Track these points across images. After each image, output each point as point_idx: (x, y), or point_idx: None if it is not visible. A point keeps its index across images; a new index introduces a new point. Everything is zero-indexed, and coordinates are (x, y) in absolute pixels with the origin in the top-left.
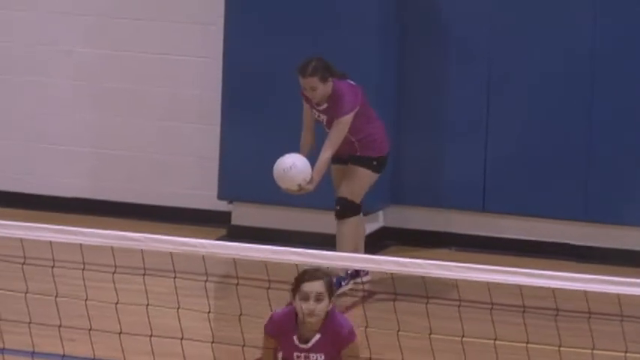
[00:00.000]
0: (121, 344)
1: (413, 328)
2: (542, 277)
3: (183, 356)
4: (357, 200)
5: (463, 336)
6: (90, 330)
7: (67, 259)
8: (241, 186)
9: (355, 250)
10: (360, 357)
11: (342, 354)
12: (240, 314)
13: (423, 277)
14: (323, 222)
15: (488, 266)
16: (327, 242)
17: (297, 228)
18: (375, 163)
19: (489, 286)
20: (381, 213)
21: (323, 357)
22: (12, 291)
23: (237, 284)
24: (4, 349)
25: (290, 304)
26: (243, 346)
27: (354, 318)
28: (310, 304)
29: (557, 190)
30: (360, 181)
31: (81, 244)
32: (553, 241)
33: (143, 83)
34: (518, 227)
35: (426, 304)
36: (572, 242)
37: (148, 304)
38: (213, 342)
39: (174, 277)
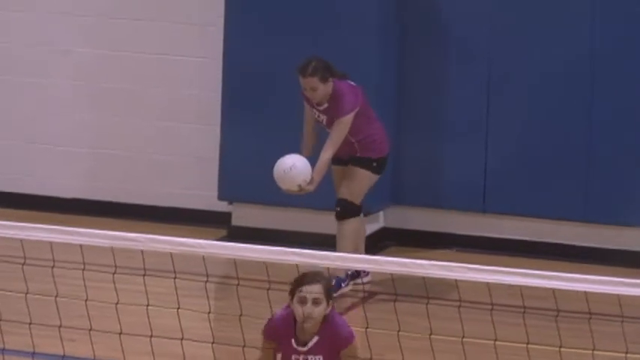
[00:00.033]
0: (121, 344)
1: (413, 328)
2: (542, 278)
3: (184, 357)
4: (358, 201)
5: (463, 336)
6: (90, 330)
7: (67, 259)
8: (241, 186)
9: (356, 251)
10: (360, 358)
11: (341, 354)
12: (241, 315)
13: (423, 278)
14: (323, 222)
15: (489, 267)
16: (327, 243)
17: (297, 228)
18: (374, 164)
19: (490, 287)
20: (381, 213)
21: (321, 359)
22: (12, 291)
23: (238, 285)
24: (4, 349)
25: (288, 306)
26: (244, 346)
27: (354, 319)
28: (308, 308)
29: (557, 191)
30: (360, 183)
31: (81, 245)
32: (553, 241)
33: (142, 83)
34: (519, 228)
35: (427, 304)
36: (572, 243)
37: (148, 305)
38: (213, 342)
39: (175, 278)
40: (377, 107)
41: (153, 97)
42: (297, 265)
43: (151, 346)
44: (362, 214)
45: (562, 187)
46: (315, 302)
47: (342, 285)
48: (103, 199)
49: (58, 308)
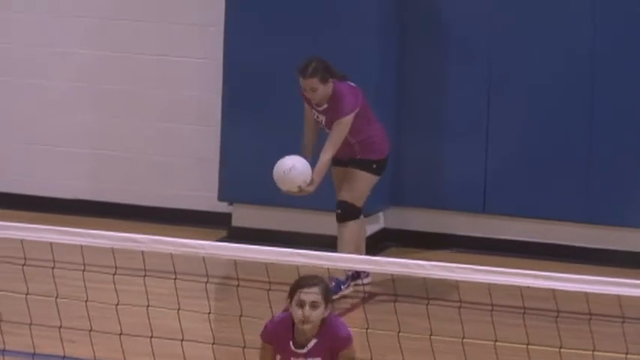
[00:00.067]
0: (122, 345)
1: (414, 329)
2: (542, 279)
3: (184, 357)
4: (359, 204)
5: (464, 337)
6: (90, 331)
7: (68, 260)
8: (242, 187)
9: (356, 252)
10: (359, 359)
11: (339, 356)
12: (241, 315)
13: (424, 279)
14: (324, 223)
15: (489, 267)
16: (328, 243)
17: (297, 229)
18: (374, 166)
19: (490, 288)
20: (381, 214)
21: None
22: (13, 292)
23: (238, 285)
24: (4, 350)
25: (286, 309)
26: (244, 347)
27: (354, 319)
28: (306, 311)
29: (557, 191)
30: (360, 185)
31: (81, 246)
32: (554, 242)
33: (142, 85)
34: (519, 228)
35: (427, 305)
36: (572, 244)
37: (148, 306)
38: (213, 343)
39: (175, 279)
40: (377, 107)
41: (153, 98)
42: (297, 265)
43: (152, 346)
44: (362, 216)
45: (562, 187)
46: (313, 305)
47: (342, 287)
48: (103, 200)
49: (58, 309)
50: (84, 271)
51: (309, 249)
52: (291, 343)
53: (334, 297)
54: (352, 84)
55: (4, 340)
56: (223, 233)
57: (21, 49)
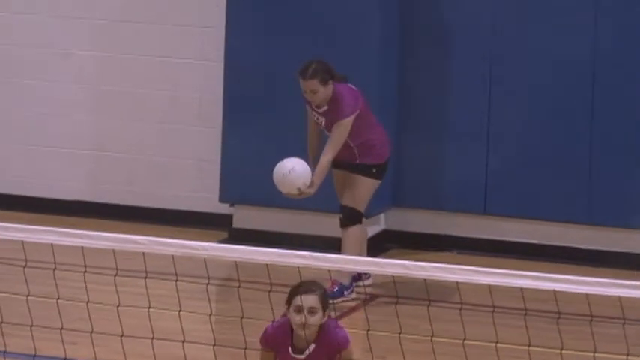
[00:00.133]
0: (123, 347)
1: (415, 331)
2: (543, 280)
3: (185, 359)
4: (361, 209)
5: (465, 339)
6: (91, 333)
7: (69, 261)
8: (242, 189)
9: (359, 255)
10: None
11: (338, 358)
12: (242, 317)
13: (425, 280)
14: (324, 225)
15: (490, 269)
16: (328, 245)
17: (298, 231)
18: (374, 170)
19: (491, 289)
20: (382, 216)
21: None
22: (14, 294)
23: (239, 287)
24: (5, 352)
25: (285, 315)
26: (245, 348)
27: (356, 321)
28: (303, 317)
29: (558, 193)
30: (361, 190)
31: (82, 247)
32: (555, 244)
33: (144, 86)
34: (520, 230)
35: (428, 306)
36: (574, 245)
37: (149, 307)
38: (214, 345)
39: (176, 280)
40: (377, 108)
41: (154, 99)
42: (298, 267)
43: (153, 348)
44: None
45: (563, 188)
46: (311, 311)
47: (345, 293)
48: (104, 202)
49: (59, 311)
50: (85, 272)
51: (310, 250)
52: (289, 348)
53: (337, 301)
54: (352, 86)
55: (5, 342)
56: (224, 235)
57: (21, 50)
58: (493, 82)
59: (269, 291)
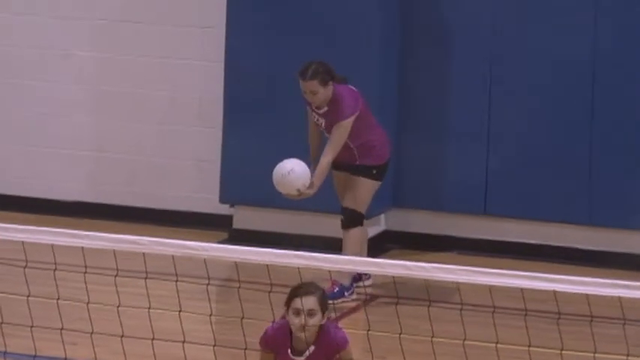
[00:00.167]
0: (123, 347)
1: (415, 331)
2: (544, 281)
3: (185, 359)
4: (361, 210)
5: (465, 339)
6: (92, 333)
7: (69, 262)
8: (243, 189)
9: (359, 255)
10: None
11: (337, 358)
12: (242, 317)
13: (425, 281)
14: (325, 225)
15: (490, 269)
16: (328, 245)
17: (298, 231)
18: (374, 171)
19: (491, 290)
20: (382, 216)
21: None
22: (14, 294)
23: (239, 287)
24: (5, 352)
25: (284, 316)
26: (245, 349)
27: (356, 322)
28: (302, 319)
29: (559, 193)
30: (361, 192)
31: (82, 248)
32: (555, 244)
33: (144, 86)
34: (520, 230)
35: (428, 307)
36: (574, 245)
37: (149, 308)
38: (214, 345)
39: (176, 281)
40: (377, 109)
41: (154, 100)
42: (298, 268)
43: (153, 349)
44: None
45: (564, 189)
46: (310, 314)
47: (346, 294)
48: (104, 202)
49: (59, 311)
50: (85, 273)
51: (310, 251)
52: (289, 350)
53: (336, 301)
54: (352, 87)
55: (5, 343)
56: (224, 235)
57: (21, 51)
58: (493, 82)
59: (269, 292)
